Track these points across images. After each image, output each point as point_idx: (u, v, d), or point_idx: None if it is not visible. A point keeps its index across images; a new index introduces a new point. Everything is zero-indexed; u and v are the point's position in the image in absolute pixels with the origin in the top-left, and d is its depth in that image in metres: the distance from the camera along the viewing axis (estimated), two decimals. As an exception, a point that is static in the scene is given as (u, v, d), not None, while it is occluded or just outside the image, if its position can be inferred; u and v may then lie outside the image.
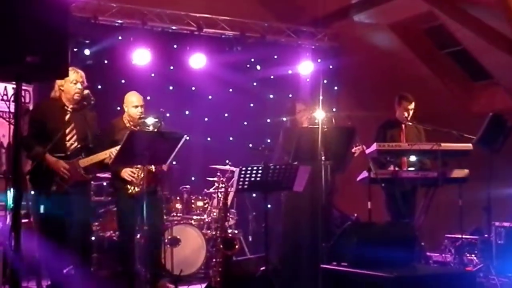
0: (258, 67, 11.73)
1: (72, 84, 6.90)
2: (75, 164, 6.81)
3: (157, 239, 7.83)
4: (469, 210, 8.19)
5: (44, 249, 6.73)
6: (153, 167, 7.52)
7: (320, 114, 7.61)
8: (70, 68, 6.38)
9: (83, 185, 7.00)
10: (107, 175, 8.75)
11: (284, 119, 8.34)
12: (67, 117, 6.90)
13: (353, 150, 7.88)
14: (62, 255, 6.78)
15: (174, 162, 8.32)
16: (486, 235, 8.83)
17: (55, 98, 7.02)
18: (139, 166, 7.33)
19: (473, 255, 8.87)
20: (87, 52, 10.00)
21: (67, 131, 6.86)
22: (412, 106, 8.71)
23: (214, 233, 8.68)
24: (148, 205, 7.38)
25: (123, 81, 10.50)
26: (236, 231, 9.43)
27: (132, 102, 7.68)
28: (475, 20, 9.69)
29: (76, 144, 6.89)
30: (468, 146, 8.16)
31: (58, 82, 6.91)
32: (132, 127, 7.54)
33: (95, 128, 7.18)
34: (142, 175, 7.39)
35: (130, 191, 7.46)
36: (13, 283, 4.65)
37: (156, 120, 7.44)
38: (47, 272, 6.95)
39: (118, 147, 6.72)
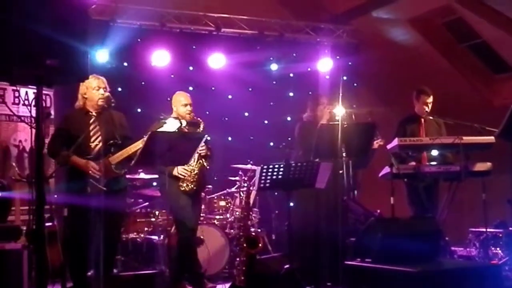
0: (277, 65, 11.70)
1: (94, 91, 6.96)
2: (105, 162, 6.83)
3: (194, 239, 7.88)
4: (493, 203, 8.14)
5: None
6: (205, 163, 7.60)
7: (340, 111, 7.60)
8: (91, 76, 6.49)
9: (118, 184, 7.01)
10: (129, 176, 8.78)
11: (304, 115, 8.32)
12: (91, 120, 6.96)
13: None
14: (86, 258, 6.83)
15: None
16: (510, 228, 8.77)
17: (80, 108, 7.08)
18: (192, 162, 7.44)
19: (498, 249, 8.80)
20: (106, 54, 10.02)
21: (91, 133, 6.91)
22: (430, 99, 8.67)
23: (237, 232, 8.69)
24: (195, 203, 7.55)
25: (143, 83, 10.54)
26: (259, 230, 9.42)
27: (181, 101, 7.77)
28: (494, 12, 9.64)
29: (100, 145, 6.90)
30: (491, 139, 8.10)
31: (81, 91, 6.99)
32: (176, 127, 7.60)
33: (125, 128, 7.21)
34: (196, 171, 7.47)
35: (183, 188, 7.50)
36: (39, 286, 4.67)
37: (177, 120, 7.48)
38: (70, 275, 6.98)
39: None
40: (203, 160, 7.63)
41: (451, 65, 11.16)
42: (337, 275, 7.05)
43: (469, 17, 10.21)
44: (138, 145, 6.78)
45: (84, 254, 6.80)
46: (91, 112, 7.01)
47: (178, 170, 7.49)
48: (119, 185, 7.07)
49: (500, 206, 8.43)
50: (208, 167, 7.77)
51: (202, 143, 7.42)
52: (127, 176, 8.61)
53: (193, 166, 7.53)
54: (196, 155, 7.47)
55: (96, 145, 6.91)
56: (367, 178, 9.22)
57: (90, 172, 6.75)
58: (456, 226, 9.63)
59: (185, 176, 7.52)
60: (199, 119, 7.69)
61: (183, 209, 7.53)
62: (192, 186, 7.56)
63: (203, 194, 8.65)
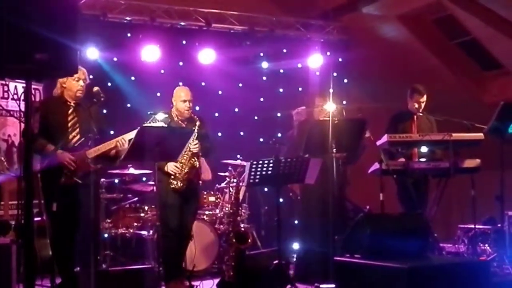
0: (267, 61, 11.69)
1: (74, 82, 6.85)
2: (82, 155, 6.76)
3: (187, 238, 7.85)
4: (482, 200, 8.17)
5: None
6: (197, 162, 7.57)
7: (330, 107, 7.61)
8: None
9: (91, 176, 6.97)
10: (118, 171, 8.78)
11: (299, 109, 8.33)
12: (70, 111, 6.89)
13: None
14: (73, 253, 6.81)
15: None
16: (499, 225, 8.80)
17: (58, 96, 7.00)
18: (183, 160, 7.40)
19: (486, 245, 8.85)
20: (96, 49, 10.00)
21: (69, 124, 6.84)
22: (423, 99, 8.68)
23: (226, 227, 8.70)
24: (187, 202, 7.49)
25: (132, 78, 10.52)
26: (248, 225, 9.42)
27: (181, 97, 7.72)
28: (484, 9, 9.65)
29: (78, 137, 6.84)
30: (480, 135, 8.13)
31: (60, 79, 6.86)
32: (180, 121, 7.58)
33: (101, 122, 7.15)
34: (186, 170, 7.46)
35: (173, 185, 7.49)
36: (28, 280, 4.66)
37: (166, 116, 7.47)
38: (58, 270, 6.96)
39: (125, 136, 6.75)
40: (195, 159, 7.59)
41: (441, 62, 11.18)
42: (326, 270, 7.07)
43: (459, 14, 10.22)
44: (113, 143, 6.78)
45: (67, 248, 6.79)
46: (69, 102, 6.93)
47: (169, 167, 7.48)
48: (92, 179, 7.02)
49: (489, 202, 8.46)
50: (197, 166, 7.73)
51: (195, 141, 7.42)
52: (117, 171, 8.64)
53: (184, 164, 7.50)
54: (189, 153, 7.46)
55: (74, 136, 6.85)
56: (356, 174, 9.22)
57: (65, 163, 6.70)
58: (445, 222, 9.67)
59: (175, 174, 7.50)
60: (195, 117, 7.64)
61: (168, 207, 7.45)
62: (181, 184, 7.52)
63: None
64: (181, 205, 7.57)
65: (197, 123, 7.55)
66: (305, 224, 8.38)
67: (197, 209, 8.23)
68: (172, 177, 7.52)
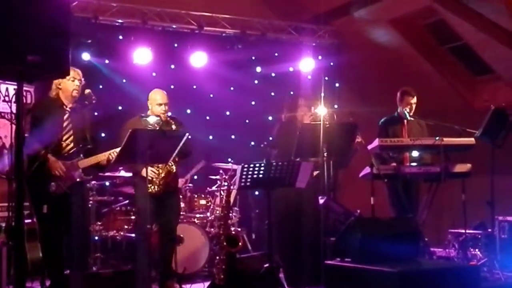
0: (259, 65, 11.70)
1: (69, 82, 6.85)
2: (74, 164, 6.78)
3: (172, 240, 7.83)
4: (473, 205, 8.18)
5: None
6: (174, 167, 7.55)
7: (322, 111, 7.61)
8: None
9: (80, 186, 6.97)
10: (109, 174, 8.77)
11: (283, 115, 8.33)
12: (66, 116, 6.89)
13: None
14: (63, 255, 6.80)
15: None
16: (489, 230, 8.81)
17: (54, 98, 6.99)
18: (160, 165, 7.38)
19: (476, 250, 8.84)
20: (88, 52, 9.99)
21: (64, 131, 6.84)
22: (414, 100, 8.69)
23: (217, 231, 8.69)
24: (167, 205, 7.46)
25: (124, 80, 10.49)
26: (239, 229, 9.42)
27: (156, 100, 7.67)
28: (475, 14, 9.67)
29: (72, 145, 6.85)
30: (471, 140, 8.15)
31: (56, 81, 6.87)
32: (156, 125, 7.56)
33: (93, 129, 7.16)
34: (162, 174, 7.45)
35: (150, 190, 7.45)
36: (18, 283, 4.64)
37: (158, 118, 7.46)
38: (48, 273, 6.94)
39: (117, 149, 6.74)
40: (171, 163, 7.56)
41: (432, 67, 11.20)
42: (317, 274, 7.07)
43: (451, 19, 10.25)
44: (106, 155, 6.82)
45: (57, 251, 6.78)
46: (66, 106, 6.93)
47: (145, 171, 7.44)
48: (81, 189, 7.03)
49: (479, 207, 8.47)
50: (174, 170, 7.70)
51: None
52: (108, 174, 8.63)
53: (161, 168, 7.48)
54: None
55: (68, 144, 6.85)
56: (347, 178, 9.24)
57: (56, 172, 6.70)
58: (435, 227, 9.67)
59: (152, 178, 7.46)
60: (171, 120, 7.62)
61: (142, 211, 7.42)
62: (158, 189, 7.48)
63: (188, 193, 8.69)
64: (159, 210, 7.53)
65: (173, 126, 7.52)
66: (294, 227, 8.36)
67: (179, 210, 8.20)
68: (149, 181, 7.45)
